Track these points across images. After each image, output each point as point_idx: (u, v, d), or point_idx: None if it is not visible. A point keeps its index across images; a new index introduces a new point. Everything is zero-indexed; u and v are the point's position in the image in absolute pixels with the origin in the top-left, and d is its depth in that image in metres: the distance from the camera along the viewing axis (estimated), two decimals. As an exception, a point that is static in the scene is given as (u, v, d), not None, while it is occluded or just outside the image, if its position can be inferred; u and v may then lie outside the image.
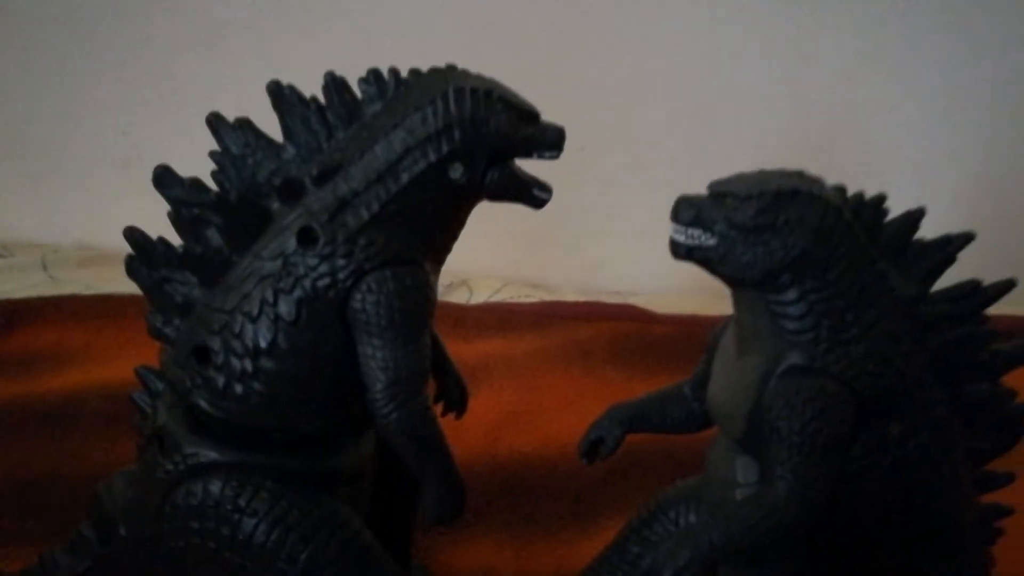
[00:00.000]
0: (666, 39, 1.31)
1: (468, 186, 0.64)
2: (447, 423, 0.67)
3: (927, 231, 0.61)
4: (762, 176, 0.59)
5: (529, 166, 0.68)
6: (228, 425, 0.64)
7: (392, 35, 1.29)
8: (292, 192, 0.65)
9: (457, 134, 0.63)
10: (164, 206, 0.67)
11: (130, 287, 0.69)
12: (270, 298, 0.62)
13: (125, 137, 1.40)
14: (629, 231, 1.28)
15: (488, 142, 0.64)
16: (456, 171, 0.64)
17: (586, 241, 1.35)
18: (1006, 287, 0.60)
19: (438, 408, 0.72)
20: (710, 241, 0.57)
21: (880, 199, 0.59)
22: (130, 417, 0.72)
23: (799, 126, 1.31)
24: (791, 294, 0.57)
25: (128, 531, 0.68)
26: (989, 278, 0.61)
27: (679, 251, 0.59)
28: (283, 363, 0.62)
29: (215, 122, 0.67)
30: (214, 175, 0.67)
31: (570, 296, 1.33)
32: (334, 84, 0.66)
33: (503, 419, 1.02)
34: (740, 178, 0.59)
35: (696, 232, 0.58)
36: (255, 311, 0.63)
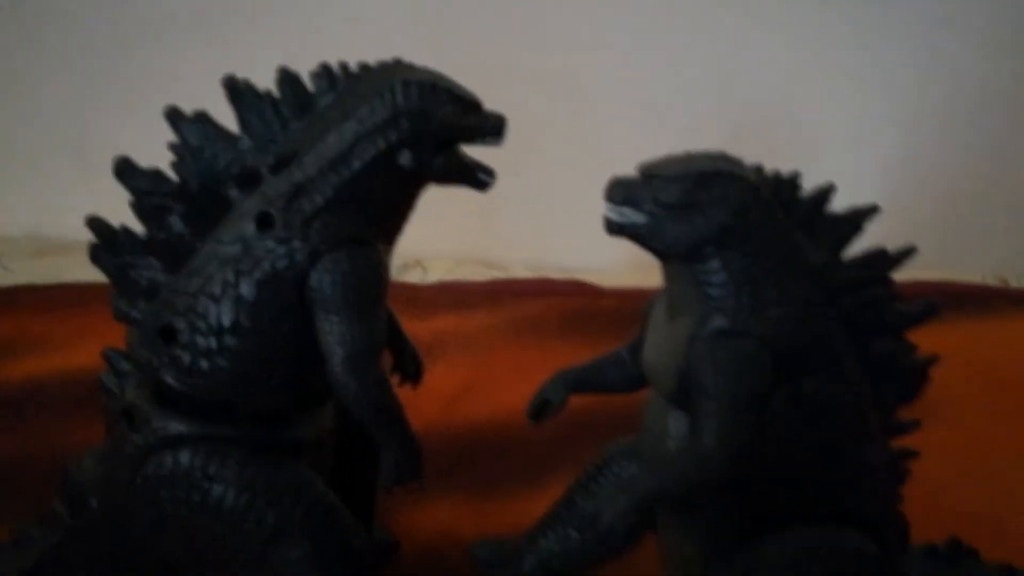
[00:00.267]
0: (610, 30, 1.35)
1: (416, 171, 0.67)
2: (405, 396, 0.69)
3: (854, 202, 0.64)
4: (688, 158, 0.63)
5: (482, 153, 0.70)
6: (195, 400, 0.67)
7: (340, 26, 1.31)
8: (250, 180, 0.67)
9: (405, 123, 0.66)
10: (115, 196, 0.69)
11: (85, 276, 0.69)
12: (232, 279, 0.65)
13: (75, 129, 1.40)
14: (576, 212, 1.31)
15: (433, 130, 0.66)
16: (404, 157, 0.67)
17: (535, 221, 1.38)
18: (907, 253, 0.65)
19: (395, 379, 0.75)
20: (640, 219, 0.61)
21: (794, 176, 0.63)
22: (95, 399, 0.74)
23: (735, 111, 1.36)
24: (714, 264, 0.61)
25: (99, 504, 0.69)
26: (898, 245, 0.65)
27: (612, 228, 0.63)
28: (246, 340, 0.65)
29: (173, 116, 0.69)
30: (174, 165, 0.69)
31: (520, 273, 1.37)
32: (287, 78, 0.68)
33: (458, 390, 1.05)
34: (668, 160, 0.63)
35: (627, 211, 0.61)
36: (218, 292, 0.65)
